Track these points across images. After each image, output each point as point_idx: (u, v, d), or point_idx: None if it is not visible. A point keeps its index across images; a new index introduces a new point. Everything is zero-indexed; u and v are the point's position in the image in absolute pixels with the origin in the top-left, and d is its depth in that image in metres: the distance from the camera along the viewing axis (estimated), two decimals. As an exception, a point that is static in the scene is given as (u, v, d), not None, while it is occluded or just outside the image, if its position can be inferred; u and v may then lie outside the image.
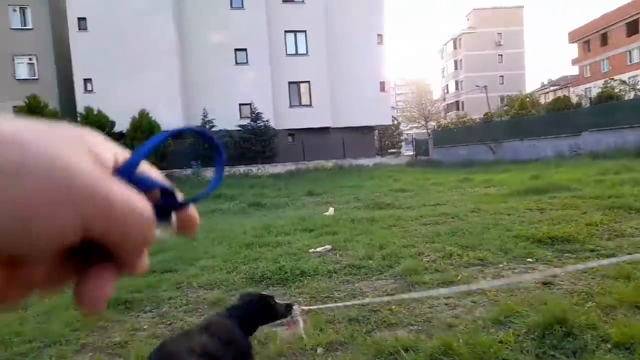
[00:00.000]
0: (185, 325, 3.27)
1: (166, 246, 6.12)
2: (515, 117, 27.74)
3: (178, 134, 0.36)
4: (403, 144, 42.19)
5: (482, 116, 33.91)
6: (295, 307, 2.26)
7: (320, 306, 3.17)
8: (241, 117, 26.20)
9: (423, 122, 49.48)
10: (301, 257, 5.11)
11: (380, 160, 26.23)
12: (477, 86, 44.31)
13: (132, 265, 0.31)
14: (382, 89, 28.33)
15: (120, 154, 0.32)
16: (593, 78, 43.28)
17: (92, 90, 23.32)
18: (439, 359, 2.38)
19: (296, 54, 27.02)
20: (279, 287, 4.00)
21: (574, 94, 38.97)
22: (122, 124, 22.30)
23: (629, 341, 2.35)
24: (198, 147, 23.84)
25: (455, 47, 61.23)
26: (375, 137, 31.05)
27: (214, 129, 24.53)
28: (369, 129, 29.28)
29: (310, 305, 3.17)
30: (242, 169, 23.27)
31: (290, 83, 27.29)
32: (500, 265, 4.24)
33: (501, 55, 57.64)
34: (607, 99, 24.73)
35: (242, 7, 25.79)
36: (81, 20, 23.41)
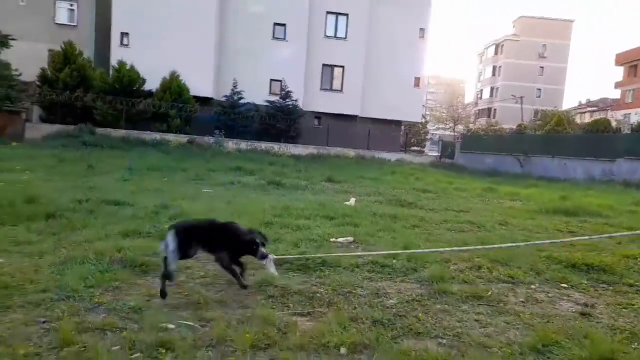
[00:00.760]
0: (203, 299, 3.15)
1: (181, 212, 6.04)
2: (549, 133, 26.96)
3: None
4: (428, 143, 41.55)
5: (513, 127, 33.08)
6: (270, 256, 3.61)
7: (289, 256, 4.14)
8: (270, 93, 25.99)
9: (451, 125, 48.63)
10: (322, 244, 4.95)
11: (403, 157, 25.82)
12: (512, 96, 43.22)
13: None
14: (417, 84, 27.77)
15: None
16: (635, 104, 41.81)
17: (127, 45, 23.25)
18: (474, 382, 2.20)
19: (335, 36, 26.57)
20: (299, 274, 3.85)
21: (613, 118, 37.70)
22: (152, 83, 22.29)
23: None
24: (223, 116, 23.76)
25: (496, 53, 59.57)
26: (401, 133, 30.58)
27: (241, 101, 24.41)
28: (397, 123, 28.84)
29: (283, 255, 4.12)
30: (264, 145, 23.12)
31: (324, 65, 26.91)
32: (533, 287, 4.01)
33: (542, 67, 55.90)
34: (647, 127, 23.83)
35: (287, -18, 25.40)
36: (126, -27, 23.32)
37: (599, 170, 17.32)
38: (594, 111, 51.41)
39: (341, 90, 27.14)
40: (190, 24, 23.32)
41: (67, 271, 3.45)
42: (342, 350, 2.49)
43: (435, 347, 2.61)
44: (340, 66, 26.94)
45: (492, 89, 59.58)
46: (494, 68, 59.71)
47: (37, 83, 20.66)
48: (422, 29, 27.22)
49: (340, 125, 26.20)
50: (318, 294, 3.39)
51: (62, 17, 24.37)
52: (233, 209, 6.74)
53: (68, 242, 4.35)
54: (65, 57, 21.06)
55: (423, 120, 37.81)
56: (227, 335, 2.56)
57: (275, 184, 11.74)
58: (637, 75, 43.73)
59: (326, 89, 27.20)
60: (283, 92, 25.00)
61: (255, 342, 2.51)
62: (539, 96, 53.82)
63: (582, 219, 8.19)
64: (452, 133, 46.48)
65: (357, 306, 3.19)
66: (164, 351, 2.34)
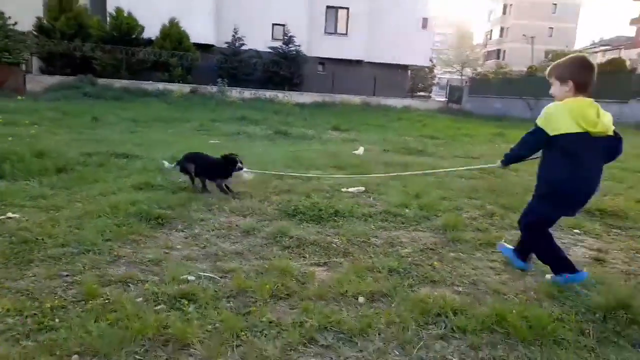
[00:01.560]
0: (219, 251, 3.19)
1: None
2: (559, 75, 26.15)
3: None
4: (435, 88, 40.62)
5: (523, 69, 32.15)
6: (245, 168, 4.91)
7: (258, 171, 5.48)
8: (273, 39, 25.25)
9: (459, 68, 47.32)
10: (333, 195, 4.96)
11: (410, 103, 25.40)
12: (523, 35, 41.67)
13: None
14: (424, 25, 26.81)
15: None
16: (650, 43, 40.32)
17: (123, -10, 22.40)
18: (492, 328, 2.25)
19: (338, -24, 25.43)
20: (313, 224, 3.87)
21: (627, 57, 36.44)
22: (151, 31, 21.66)
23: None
24: (225, 64, 23.22)
25: (507, -10, 56.89)
26: (408, 78, 29.88)
27: (243, 47, 23.74)
28: (403, 68, 28.13)
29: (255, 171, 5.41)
30: (267, 93, 22.76)
31: (328, 7, 25.93)
32: (545, 233, 4.02)
33: (555, 4, 53.47)
34: (662, 67, 23.07)
35: None
36: None
37: (610, 113, 16.99)
38: (606, 50, 49.65)
39: (346, 34, 26.30)
40: (187, -34, 22.32)
41: (85, 225, 3.48)
42: (361, 299, 2.53)
43: (452, 294, 2.64)
44: (345, 8, 25.94)
45: (502, 29, 57.44)
46: (505, 6, 57.24)
47: (34, 33, 20.11)
48: (430, -34, 25.92)
49: (346, 71, 25.63)
50: (333, 244, 3.42)
51: (53, -38, 23.29)
52: (243, 160, 6.69)
53: (82, 196, 4.37)
54: (60, 5, 20.36)
55: (430, 64, 36.80)
56: (247, 285, 2.60)
57: (282, 133, 11.65)
58: (654, 11, 41.83)
59: (330, 33, 26.36)
60: (286, 38, 24.26)
61: (275, 292, 2.56)
62: (551, 36, 51.86)
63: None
64: (460, 77, 45.35)
65: (372, 256, 3.23)
66: (186, 302, 2.39)
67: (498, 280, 2.90)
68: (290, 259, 3.07)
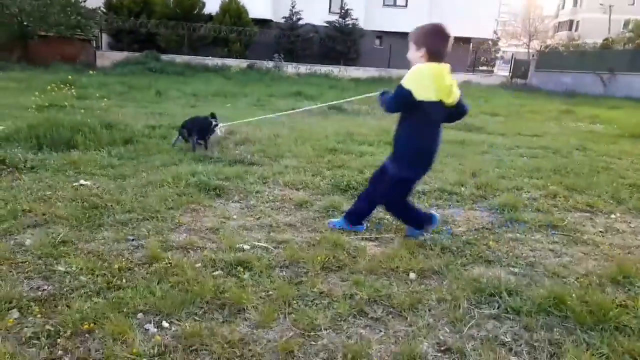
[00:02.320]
0: (273, 222, 3.28)
1: (246, 137, 6.17)
2: (640, 48, 24.01)
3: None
4: (500, 62, 38.54)
5: (598, 41, 29.69)
6: (219, 125, 5.52)
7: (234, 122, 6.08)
8: (330, 12, 24.89)
9: (525, 41, 44.51)
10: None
11: (470, 78, 24.31)
12: (601, 4, 38.33)
13: None
14: (490, -5, 25.34)
15: None
16: None
17: (184, -34, 22.84)
18: (548, 311, 2.17)
19: (399, -56, 24.48)
20: (365, 199, 3.86)
21: None
22: (212, 7, 22.04)
23: None
24: (282, 39, 23.28)
25: (583, -47, 52.22)
26: (469, 51, 28.56)
27: (300, 22, 23.64)
28: (465, 41, 26.88)
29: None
30: (323, 68, 22.61)
31: (387, -22, 25.12)
32: (613, 216, 3.79)
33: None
34: None
35: None
36: None
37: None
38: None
39: (405, 5, 25.46)
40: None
41: (149, 193, 3.69)
42: (412, 275, 2.53)
43: (507, 275, 2.57)
44: (405, -22, 25.01)
45: (576, -2, 53.10)
46: (581, -27, 52.71)
47: (103, 10, 21.09)
48: None
49: (403, 45, 24.74)
50: (385, 220, 3.41)
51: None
52: (297, 134, 6.78)
53: (146, 166, 4.62)
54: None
55: (494, 37, 34.85)
56: (299, 257, 2.67)
57: (336, 109, 11.58)
58: None
59: (389, 5, 25.59)
60: (342, 11, 23.83)
61: (326, 264, 2.61)
62: (632, 4, 47.27)
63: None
64: (527, 50, 42.69)
65: (424, 233, 3.19)
66: (242, 270, 2.49)
67: (557, 263, 2.78)
68: (341, 233, 3.10)
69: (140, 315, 2.06)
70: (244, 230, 3.12)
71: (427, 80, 2.63)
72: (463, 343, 1.93)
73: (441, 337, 1.98)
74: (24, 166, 4.30)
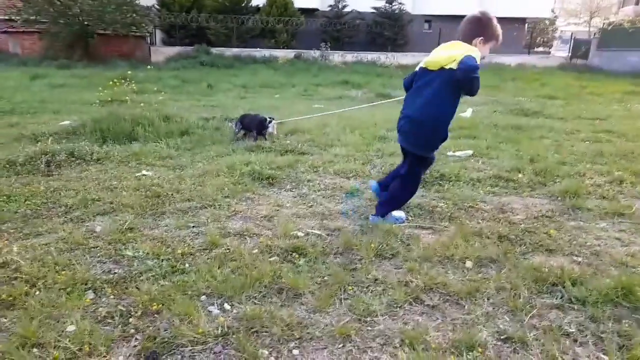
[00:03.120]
0: (326, 211, 3.32)
1: (295, 128, 6.23)
2: None
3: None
4: (558, 42, 36.43)
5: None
6: (273, 121, 5.70)
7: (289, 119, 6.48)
8: (377, -2, 24.44)
9: (586, 19, 41.74)
10: (439, 158, 4.80)
11: (526, 60, 23.16)
12: (672, -25, 35.08)
13: None
14: (547, -28, 23.96)
15: None
16: None
17: (232, -40, 23.17)
18: (616, 302, 2.07)
19: None
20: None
21: None
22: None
23: None
24: (328, 27, 23.19)
25: None
26: (525, 31, 27.21)
27: (346, 10, 23.42)
28: (520, 21, 25.64)
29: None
30: (370, 56, 22.31)
31: (436, -41, 24.32)
32: (687, 203, 3.53)
33: None
34: None
35: None
36: None
37: None
38: None
39: (456, -14, 24.48)
40: None
41: (206, 183, 3.84)
42: (468, 263, 2.48)
43: (571, 264, 2.47)
44: (455, -42, 24.07)
45: (644, -31, 49.01)
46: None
47: (156, 7, 21.86)
48: None
49: (454, 29, 23.94)
50: (438, 208, 3.36)
51: None
52: (345, 122, 6.77)
53: (202, 156, 4.80)
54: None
55: (552, 16, 32.96)
56: (353, 244, 2.69)
57: (384, 96, 11.45)
58: None
59: (439, -13, 24.79)
60: (390, -4, 23.37)
61: (380, 252, 2.61)
62: None
63: None
64: (587, 28, 40.05)
65: (480, 221, 3.12)
66: (297, 256, 2.55)
67: (625, 252, 2.64)
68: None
69: (203, 297, 2.16)
70: (297, 217, 3.18)
71: None
72: (524, 332, 1.88)
73: (501, 326, 1.94)
74: (91, 158, 4.60)
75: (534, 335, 1.88)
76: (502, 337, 1.87)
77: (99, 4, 17.37)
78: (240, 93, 11.88)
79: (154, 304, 2.06)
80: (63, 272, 2.32)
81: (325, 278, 2.33)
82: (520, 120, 7.43)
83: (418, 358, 1.73)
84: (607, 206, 3.38)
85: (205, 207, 3.33)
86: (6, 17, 18.02)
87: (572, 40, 25.71)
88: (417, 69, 2.95)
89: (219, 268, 2.40)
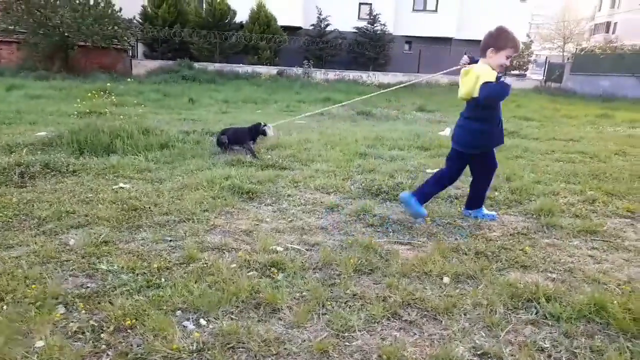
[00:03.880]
0: (305, 225, 3.31)
1: (277, 143, 6.24)
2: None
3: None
4: (533, 65, 37.58)
5: (638, 43, 28.60)
6: (269, 125, 5.82)
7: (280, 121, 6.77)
8: (359, 18, 24.98)
9: (560, 44, 43.29)
10: (418, 176, 4.88)
11: (502, 82, 23.79)
12: None
13: None
14: (523, -1, 24.89)
15: None
16: None
17: (215, -24, 23.39)
18: (589, 318, 2.11)
19: (429, -52, 24.39)
20: (396, 203, 3.86)
21: None
22: (242, 16, 22.47)
23: None
24: (311, 46, 23.47)
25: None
26: (501, 55, 28.02)
27: (328, 28, 23.78)
28: (496, 45, 26.37)
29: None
30: (352, 74, 22.66)
31: (417, -17, 25.03)
32: (656, 223, 3.64)
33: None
34: None
35: None
36: None
37: None
38: None
39: (435, 10, 25.28)
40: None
41: (184, 196, 3.79)
42: (445, 279, 2.50)
43: (545, 281, 2.51)
44: (435, -17, 24.86)
45: (614, -2, 51.38)
46: (619, -27, 50.99)
47: (139, 20, 21.80)
48: None
49: (433, 50, 24.66)
50: (417, 224, 3.39)
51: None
52: (326, 139, 6.82)
53: (181, 170, 4.75)
54: (154, -6, 21.78)
55: (528, 40, 34.08)
56: (332, 259, 2.69)
57: (365, 114, 11.61)
58: None
59: (419, 10, 25.50)
60: (371, 17, 23.88)
61: (359, 267, 2.62)
62: (674, 4, 45.27)
63: None
64: (561, 53, 41.52)
65: (458, 237, 3.16)
66: (276, 271, 2.53)
67: (597, 269, 2.70)
68: (373, 237, 3.10)
69: (179, 312, 2.12)
70: (277, 232, 3.16)
71: None
72: (500, 348, 1.90)
73: (477, 342, 1.95)
74: (67, 170, 4.50)
75: (509, 350, 1.90)
76: (478, 353, 1.88)
77: (80, 15, 17.22)
78: (222, 108, 11.84)
79: (128, 319, 2.01)
80: (33, 286, 2.25)
81: (304, 293, 2.32)
82: (497, 140, 7.58)
83: (395, 374, 1.72)
84: (580, 224, 3.46)
85: (184, 221, 3.29)
86: (-17, 27, 17.72)
87: (547, 64, 26.61)
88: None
89: (195, 283, 2.36)
